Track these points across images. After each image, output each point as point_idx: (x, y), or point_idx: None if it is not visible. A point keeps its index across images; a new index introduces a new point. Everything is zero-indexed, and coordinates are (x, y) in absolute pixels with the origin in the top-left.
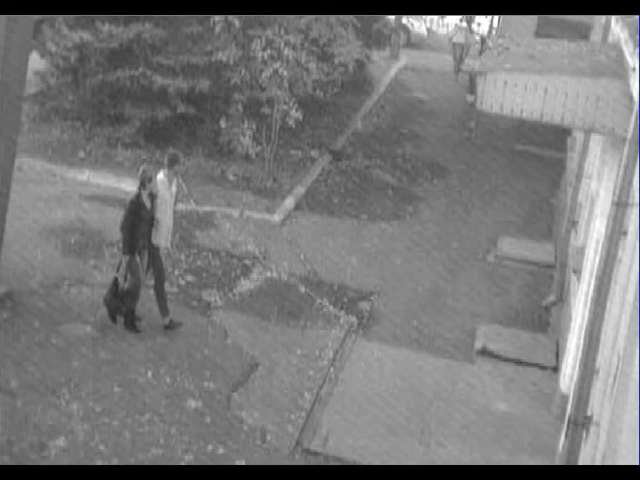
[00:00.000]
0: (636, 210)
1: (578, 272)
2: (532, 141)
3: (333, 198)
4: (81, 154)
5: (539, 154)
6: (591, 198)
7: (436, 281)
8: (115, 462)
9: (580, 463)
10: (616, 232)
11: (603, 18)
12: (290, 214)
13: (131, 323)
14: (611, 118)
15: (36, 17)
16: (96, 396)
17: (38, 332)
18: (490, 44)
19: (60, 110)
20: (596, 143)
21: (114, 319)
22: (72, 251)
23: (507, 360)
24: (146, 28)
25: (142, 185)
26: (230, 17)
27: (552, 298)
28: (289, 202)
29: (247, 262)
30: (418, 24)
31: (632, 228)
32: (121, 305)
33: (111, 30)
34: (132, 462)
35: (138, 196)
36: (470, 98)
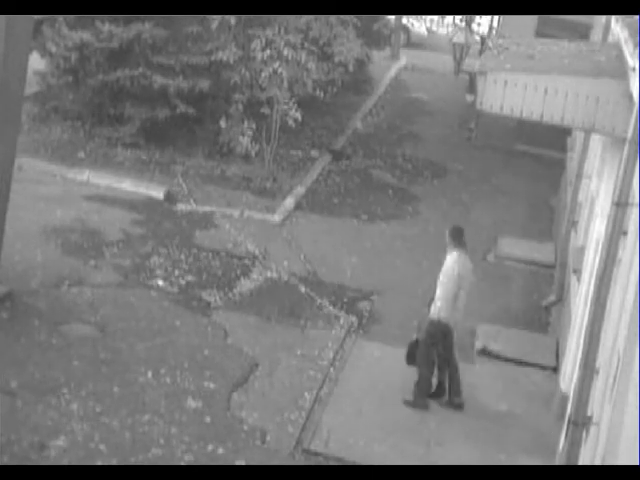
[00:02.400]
0: (636, 210)
1: (578, 272)
2: (532, 141)
3: (333, 198)
4: (81, 154)
5: (539, 154)
6: (591, 198)
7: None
8: (115, 462)
9: (580, 463)
10: (616, 232)
11: (603, 18)
12: (290, 214)
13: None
14: (611, 118)
15: (36, 17)
16: (96, 396)
17: (38, 332)
18: (490, 44)
19: (60, 110)
20: (596, 143)
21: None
22: (72, 251)
23: (507, 360)
24: (146, 28)
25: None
26: (227, 16)
27: (552, 298)
28: (289, 202)
29: (247, 262)
30: (418, 24)
31: (632, 228)
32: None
33: (111, 30)
34: (132, 462)
35: None
36: (470, 98)
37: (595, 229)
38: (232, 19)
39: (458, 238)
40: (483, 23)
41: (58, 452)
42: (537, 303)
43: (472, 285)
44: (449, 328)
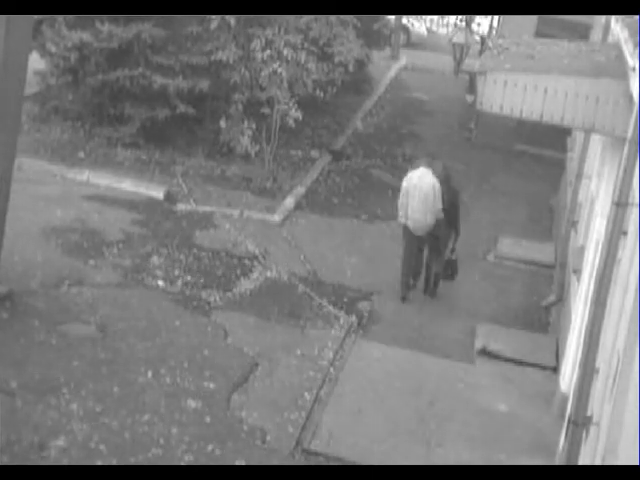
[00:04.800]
0: (636, 210)
1: (578, 272)
2: (532, 141)
3: (333, 198)
4: (81, 154)
5: (539, 154)
6: (591, 198)
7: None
8: (115, 462)
9: (580, 463)
10: (616, 232)
11: (603, 18)
12: (290, 214)
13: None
14: (611, 118)
15: (36, 17)
16: (96, 396)
17: (38, 332)
18: (490, 44)
19: (60, 110)
20: (596, 143)
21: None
22: (72, 251)
23: (507, 360)
24: (146, 28)
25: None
26: (227, 16)
27: (552, 298)
28: (289, 202)
29: (247, 262)
30: (418, 24)
31: (632, 228)
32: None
33: (111, 30)
34: (132, 462)
35: None
36: (470, 98)
37: (595, 229)
38: (232, 19)
39: (427, 162)
40: (483, 23)
41: (58, 452)
42: (537, 303)
43: (424, 195)
44: (407, 229)
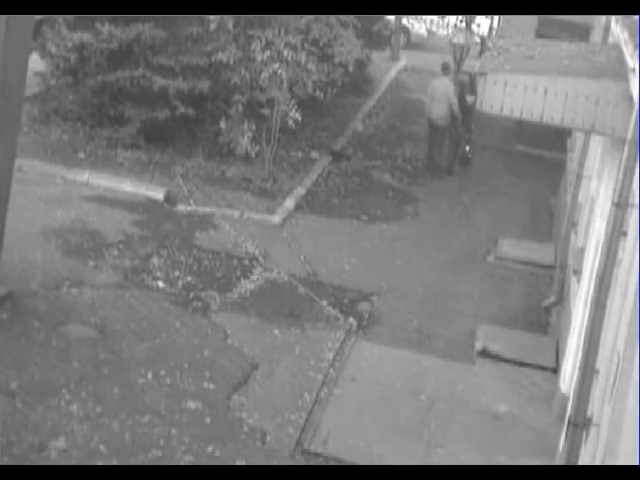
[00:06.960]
0: (636, 211)
1: (578, 273)
2: (532, 142)
3: (333, 199)
4: (81, 155)
5: (539, 155)
6: (591, 199)
7: (436, 282)
8: (115, 463)
9: (580, 464)
10: (616, 233)
11: (603, 19)
12: (290, 215)
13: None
14: (611, 119)
15: (36, 17)
16: (96, 397)
17: (38, 333)
18: (490, 45)
19: (60, 111)
20: (596, 144)
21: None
22: (72, 252)
23: (507, 361)
24: (146, 29)
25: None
26: (225, 17)
27: (552, 299)
28: (289, 203)
29: (247, 263)
30: (418, 25)
31: (632, 229)
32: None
33: (111, 31)
34: (132, 463)
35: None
36: (470, 99)
37: (595, 230)
38: (230, 21)
39: (443, 70)
40: (483, 24)
41: (58, 453)
42: (537, 304)
43: (442, 93)
44: (430, 119)
